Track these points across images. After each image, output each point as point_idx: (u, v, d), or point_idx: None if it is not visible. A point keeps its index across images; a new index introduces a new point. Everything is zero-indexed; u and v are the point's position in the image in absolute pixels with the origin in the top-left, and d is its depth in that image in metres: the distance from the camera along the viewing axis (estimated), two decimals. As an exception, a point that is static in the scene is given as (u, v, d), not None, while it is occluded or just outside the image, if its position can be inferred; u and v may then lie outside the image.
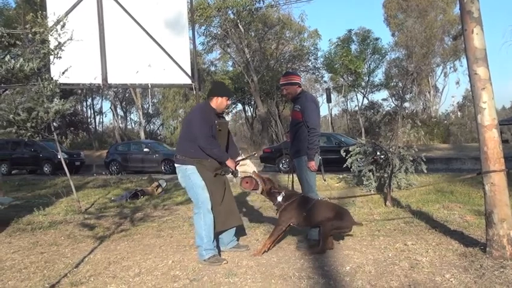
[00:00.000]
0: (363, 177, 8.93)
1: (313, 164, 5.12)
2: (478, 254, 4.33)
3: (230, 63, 38.04)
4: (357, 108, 40.39)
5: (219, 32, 32.31)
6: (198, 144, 4.71)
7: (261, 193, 4.98)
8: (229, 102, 5.12)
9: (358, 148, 9.09)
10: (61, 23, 7.45)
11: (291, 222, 4.84)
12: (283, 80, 5.51)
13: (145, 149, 21.80)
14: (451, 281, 3.69)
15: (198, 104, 5.05)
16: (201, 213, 4.71)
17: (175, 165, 4.95)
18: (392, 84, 38.33)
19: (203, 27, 31.17)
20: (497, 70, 63.61)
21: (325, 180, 6.71)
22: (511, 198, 4.34)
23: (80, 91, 37.65)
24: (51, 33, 7.41)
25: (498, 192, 4.18)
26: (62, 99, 7.63)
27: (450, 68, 42.15)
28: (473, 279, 3.71)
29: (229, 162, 4.83)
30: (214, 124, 4.83)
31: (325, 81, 40.67)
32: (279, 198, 4.89)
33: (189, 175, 4.79)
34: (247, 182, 4.88)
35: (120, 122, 51.58)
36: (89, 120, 49.66)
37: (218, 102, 4.95)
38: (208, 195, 4.74)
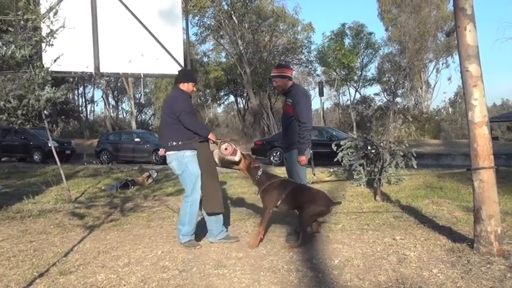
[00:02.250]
0: (353, 172, 8.95)
1: (304, 159, 5.13)
2: (466, 249, 4.38)
3: (223, 54, 37.97)
4: (349, 102, 40.53)
5: (212, 23, 32.21)
6: (181, 120, 4.82)
7: (240, 168, 5.04)
8: (194, 88, 5.29)
9: (350, 142, 9.09)
10: (53, 10, 7.37)
11: (275, 204, 4.88)
12: (274, 71, 5.49)
13: (137, 139, 21.73)
14: (438, 276, 3.73)
15: (174, 90, 5.17)
16: (189, 202, 4.83)
17: (169, 153, 4.93)
18: (384, 79, 38.46)
19: (197, 18, 31.09)
20: (489, 67, 63.86)
21: (314, 175, 6.71)
22: (499, 195, 4.39)
23: (71, 79, 37.30)
24: (43, 20, 7.32)
25: (487, 189, 4.22)
26: (54, 87, 7.56)
27: (442, 64, 42.30)
28: (460, 274, 3.75)
29: (211, 136, 4.94)
30: (192, 105, 5.05)
31: (317, 75, 40.74)
32: (259, 173, 5.00)
33: (186, 163, 4.83)
34: (226, 149, 4.89)
35: (111, 111, 51.41)
36: (80, 108, 49.26)
37: (185, 87, 5.11)
38: (200, 185, 4.85)
